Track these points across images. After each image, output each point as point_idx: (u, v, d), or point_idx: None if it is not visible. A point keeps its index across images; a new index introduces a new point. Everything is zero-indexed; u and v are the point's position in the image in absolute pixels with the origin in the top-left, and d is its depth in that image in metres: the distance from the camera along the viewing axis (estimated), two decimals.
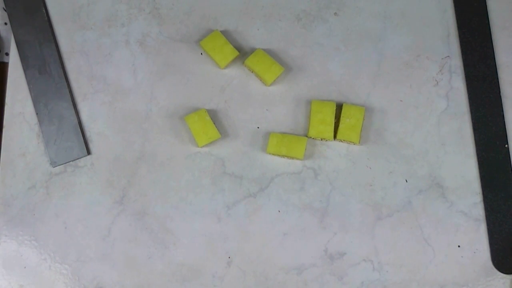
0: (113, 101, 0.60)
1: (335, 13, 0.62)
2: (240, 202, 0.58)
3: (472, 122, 0.59)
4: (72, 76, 0.61)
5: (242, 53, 0.60)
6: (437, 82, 0.60)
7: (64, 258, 0.57)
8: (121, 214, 0.58)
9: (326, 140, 0.58)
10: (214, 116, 0.59)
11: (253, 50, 0.60)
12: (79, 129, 0.59)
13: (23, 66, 0.60)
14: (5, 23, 0.63)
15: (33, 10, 0.61)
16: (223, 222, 0.58)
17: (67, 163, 0.59)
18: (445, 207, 0.58)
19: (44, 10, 0.61)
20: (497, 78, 0.60)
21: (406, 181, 0.58)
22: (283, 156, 0.58)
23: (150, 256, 0.57)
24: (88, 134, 0.59)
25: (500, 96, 0.59)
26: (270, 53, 0.60)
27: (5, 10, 0.61)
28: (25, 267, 0.57)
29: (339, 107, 0.59)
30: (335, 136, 0.58)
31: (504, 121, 0.59)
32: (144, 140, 0.59)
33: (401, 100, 0.60)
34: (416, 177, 0.58)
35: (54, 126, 0.59)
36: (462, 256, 0.57)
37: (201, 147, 0.58)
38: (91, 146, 0.59)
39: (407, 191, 0.58)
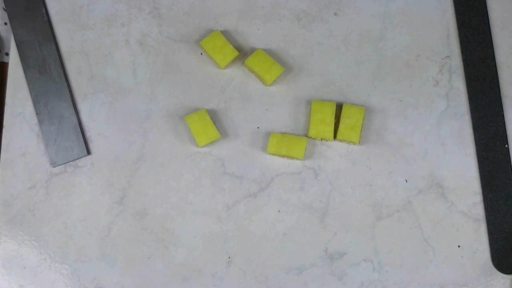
0: (113, 101, 0.60)
1: (335, 13, 0.62)
2: (240, 202, 0.58)
3: (472, 122, 0.59)
4: (72, 76, 0.61)
5: (242, 53, 0.60)
6: (437, 82, 0.60)
7: (64, 258, 0.57)
8: (121, 214, 0.58)
9: (326, 140, 0.59)
10: (214, 116, 0.59)
11: (253, 50, 0.60)
12: (79, 129, 0.59)
13: (23, 66, 0.60)
14: (5, 23, 0.63)
15: (33, 10, 0.61)
16: (223, 222, 0.58)
17: (67, 163, 0.59)
18: (445, 207, 0.58)
19: (44, 10, 0.61)
20: (497, 78, 0.60)
21: (406, 181, 0.58)
22: (283, 156, 0.58)
23: (150, 256, 0.57)
24: (88, 134, 0.59)
25: (500, 96, 0.59)
26: (270, 53, 0.60)
27: (5, 10, 0.61)
28: (25, 267, 0.57)
29: (339, 107, 0.59)
30: (335, 136, 0.58)
31: (504, 121, 0.59)
32: (144, 140, 0.59)
33: (401, 100, 0.60)
34: (416, 177, 0.58)
35: (54, 126, 0.59)
36: (462, 256, 0.57)
37: (201, 147, 0.58)
38: (91, 146, 0.59)
39: (407, 191, 0.58)
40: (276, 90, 0.60)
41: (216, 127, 0.57)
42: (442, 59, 0.61)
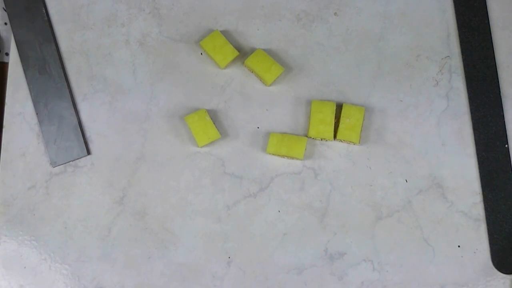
0: (113, 101, 0.60)
1: (335, 13, 0.62)
2: (240, 202, 0.58)
3: (472, 122, 0.59)
4: (72, 76, 0.61)
5: (242, 53, 0.60)
6: (437, 82, 0.60)
7: (64, 258, 0.57)
8: (121, 214, 0.58)
9: (326, 140, 0.59)
10: (214, 116, 0.59)
11: (253, 50, 0.60)
12: (79, 129, 0.59)
13: (23, 66, 0.60)
14: (5, 23, 0.63)
15: (33, 10, 0.61)
16: (223, 222, 0.58)
17: (67, 163, 0.59)
18: (445, 207, 0.58)
19: (44, 10, 0.61)
20: (497, 78, 0.60)
21: (406, 181, 0.58)
22: (283, 156, 0.58)
23: (150, 256, 0.57)
24: (88, 134, 0.59)
25: (500, 96, 0.59)
26: (270, 53, 0.60)
27: (5, 10, 0.61)
28: (25, 267, 0.57)
29: (339, 107, 0.59)
30: (335, 136, 0.58)
31: (504, 121, 0.59)
32: (144, 140, 0.59)
33: (401, 100, 0.60)
34: (416, 177, 0.58)
35: (54, 126, 0.59)
36: (462, 256, 0.57)
37: (201, 147, 0.58)
38: (91, 146, 0.59)
39: (407, 191, 0.58)
40: (276, 90, 0.60)
41: (216, 127, 0.57)
42: (442, 59, 0.61)
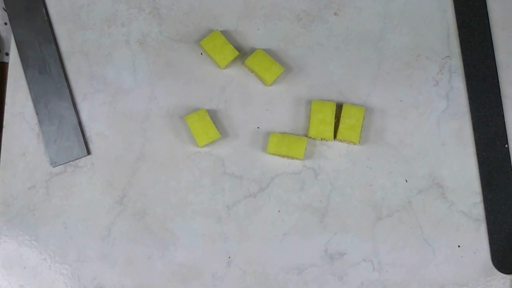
0: (113, 101, 0.60)
1: (335, 13, 0.62)
2: (240, 202, 0.58)
3: (472, 122, 0.59)
4: (72, 76, 0.61)
5: (242, 53, 0.60)
6: (437, 82, 0.60)
7: (64, 258, 0.57)
8: (121, 214, 0.58)
9: (326, 140, 0.59)
10: (214, 116, 0.59)
11: (253, 50, 0.60)
12: (79, 129, 0.59)
13: (23, 66, 0.60)
14: (5, 23, 0.63)
15: (33, 10, 0.61)
16: (223, 222, 0.58)
17: (67, 163, 0.59)
18: (445, 207, 0.58)
19: (44, 10, 0.61)
20: (497, 78, 0.60)
21: (406, 181, 0.58)
22: (283, 156, 0.58)
23: (150, 256, 0.57)
24: (88, 134, 0.59)
25: (500, 96, 0.59)
26: (270, 53, 0.60)
27: (5, 10, 0.61)
28: (25, 267, 0.57)
29: (339, 107, 0.59)
30: (335, 136, 0.58)
31: (504, 121, 0.59)
32: (144, 140, 0.59)
33: (401, 100, 0.60)
34: (416, 177, 0.58)
35: (54, 126, 0.59)
36: (462, 256, 0.57)
37: (201, 147, 0.58)
38: (91, 146, 0.59)
39: (407, 191, 0.58)
40: (276, 90, 0.60)
41: (216, 127, 0.57)
42: (442, 59, 0.61)
